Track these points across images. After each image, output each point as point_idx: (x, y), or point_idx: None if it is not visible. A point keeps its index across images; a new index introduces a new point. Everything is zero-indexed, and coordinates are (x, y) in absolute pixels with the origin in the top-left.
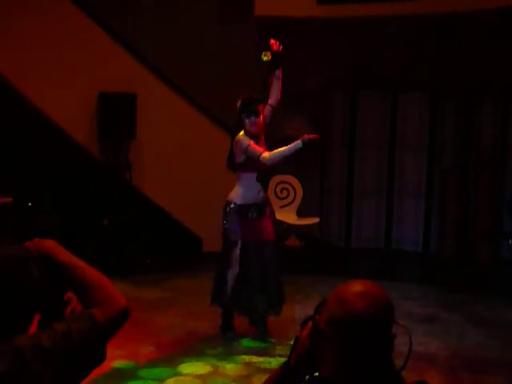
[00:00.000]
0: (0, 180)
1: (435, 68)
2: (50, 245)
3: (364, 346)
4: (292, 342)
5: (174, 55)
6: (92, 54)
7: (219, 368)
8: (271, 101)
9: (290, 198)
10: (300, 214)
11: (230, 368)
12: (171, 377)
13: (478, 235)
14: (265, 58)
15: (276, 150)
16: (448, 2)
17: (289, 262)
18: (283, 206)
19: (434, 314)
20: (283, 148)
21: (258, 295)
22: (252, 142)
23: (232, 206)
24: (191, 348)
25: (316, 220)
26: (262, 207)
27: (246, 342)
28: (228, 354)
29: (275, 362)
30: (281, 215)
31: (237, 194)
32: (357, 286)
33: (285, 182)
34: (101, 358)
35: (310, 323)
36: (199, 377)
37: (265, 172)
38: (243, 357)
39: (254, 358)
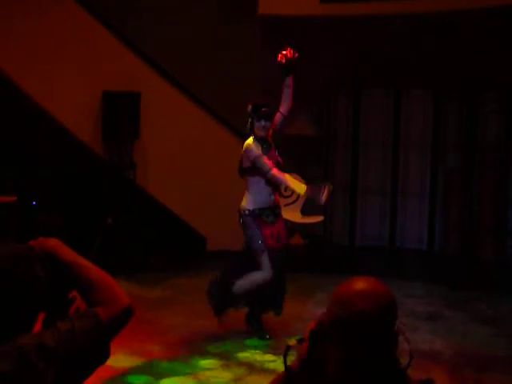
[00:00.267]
0: (4, 179)
1: (439, 67)
2: (54, 243)
3: (368, 345)
4: (292, 341)
5: (178, 54)
6: (96, 53)
7: (223, 367)
8: (282, 109)
9: (295, 197)
10: (304, 212)
11: (234, 367)
12: (175, 375)
13: (482, 234)
14: (280, 55)
15: (285, 175)
16: (452, 1)
17: (293, 260)
18: (287, 205)
19: (439, 312)
20: (290, 178)
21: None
22: (265, 157)
23: (246, 212)
24: (195, 346)
25: (320, 218)
26: (275, 209)
27: (249, 341)
28: (232, 353)
29: (279, 361)
30: (285, 214)
31: (247, 201)
32: (359, 284)
33: None
34: (104, 356)
35: (312, 323)
36: (203, 375)
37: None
38: (247, 355)
39: (258, 357)
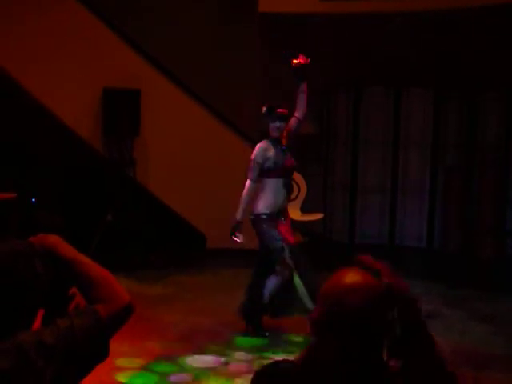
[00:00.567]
0: (4, 176)
1: (439, 66)
2: (54, 240)
3: (361, 340)
4: (291, 339)
5: (178, 54)
6: (96, 50)
7: (222, 364)
8: (297, 113)
9: (294, 195)
10: (304, 210)
11: (233, 364)
12: (175, 372)
13: (482, 233)
14: (294, 62)
15: (245, 196)
16: None
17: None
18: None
19: (437, 310)
20: (245, 201)
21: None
22: (255, 163)
23: (264, 217)
24: (195, 344)
25: (320, 216)
26: (285, 210)
27: (249, 339)
28: (231, 350)
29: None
30: None
31: (263, 205)
32: (348, 278)
33: None
34: (104, 354)
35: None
36: (202, 373)
37: (290, 178)
38: (247, 353)
39: (257, 355)
